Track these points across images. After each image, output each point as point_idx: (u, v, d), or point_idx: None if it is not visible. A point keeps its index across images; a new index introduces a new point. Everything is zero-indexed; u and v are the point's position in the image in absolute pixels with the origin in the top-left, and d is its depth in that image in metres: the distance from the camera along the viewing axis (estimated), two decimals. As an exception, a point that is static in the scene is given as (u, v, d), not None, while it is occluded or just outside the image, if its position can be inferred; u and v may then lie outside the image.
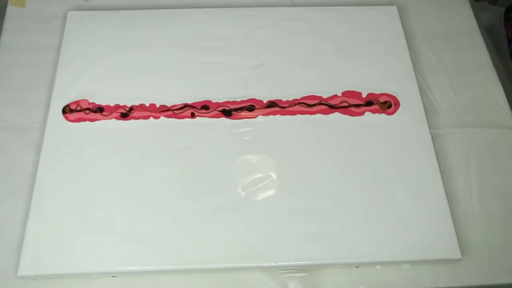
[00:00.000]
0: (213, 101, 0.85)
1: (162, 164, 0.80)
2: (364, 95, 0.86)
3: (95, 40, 0.92)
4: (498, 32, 1.05)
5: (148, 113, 0.84)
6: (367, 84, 0.87)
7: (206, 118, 0.84)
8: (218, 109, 0.84)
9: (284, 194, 0.77)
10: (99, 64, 0.89)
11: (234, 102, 0.85)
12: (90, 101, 0.85)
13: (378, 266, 0.75)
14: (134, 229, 0.74)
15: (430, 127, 0.84)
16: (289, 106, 0.85)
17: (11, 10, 0.98)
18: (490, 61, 0.94)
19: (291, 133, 0.82)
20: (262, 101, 0.85)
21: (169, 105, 0.85)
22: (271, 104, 0.85)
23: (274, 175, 0.79)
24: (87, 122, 0.83)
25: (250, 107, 0.85)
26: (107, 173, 0.79)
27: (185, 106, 0.85)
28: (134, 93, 0.86)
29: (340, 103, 0.85)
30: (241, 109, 0.85)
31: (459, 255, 0.73)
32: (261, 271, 0.75)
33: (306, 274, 0.75)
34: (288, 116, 0.84)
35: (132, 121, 0.83)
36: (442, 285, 0.74)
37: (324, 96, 0.86)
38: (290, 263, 0.73)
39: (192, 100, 0.85)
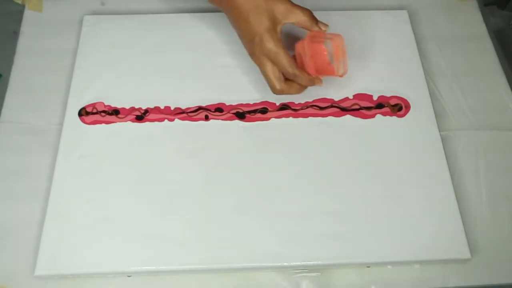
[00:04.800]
0: (227, 103, 0.86)
1: (177, 165, 0.80)
2: (375, 98, 0.87)
3: (111, 43, 0.92)
4: (507, 36, 1.05)
5: (163, 116, 0.85)
6: (378, 87, 0.88)
7: (220, 120, 0.85)
8: (231, 111, 0.85)
9: (296, 195, 0.78)
10: (115, 67, 0.90)
11: (247, 105, 0.86)
12: (106, 103, 0.86)
13: (389, 266, 0.76)
14: (149, 230, 0.75)
15: (440, 130, 0.84)
16: (301, 109, 0.86)
17: (28, 14, 0.99)
18: (499, 65, 0.94)
19: (303, 135, 0.83)
20: (274, 104, 0.86)
21: (183, 107, 0.86)
22: (284, 107, 0.86)
23: (286, 176, 0.79)
24: (103, 125, 0.84)
25: (263, 109, 0.86)
26: (122, 175, 0.79)
27: (199, 108, 0.86)
28: (149, 96, 0.87)
29: (352, 105, 0.86)
30: (254, 111, 0.85)
31: (468, 255, 0.74)
32: (273, 271, 0.75)
33: (319, 273, 0.75)
34: (300, 119, 0.85)
35: (147, 123, 0.84)
36: (452, 284, 0.75)
37: (336, 99, 0.87)
38: (302, 263, 0.73)
39: (206, 103, 0.86)
